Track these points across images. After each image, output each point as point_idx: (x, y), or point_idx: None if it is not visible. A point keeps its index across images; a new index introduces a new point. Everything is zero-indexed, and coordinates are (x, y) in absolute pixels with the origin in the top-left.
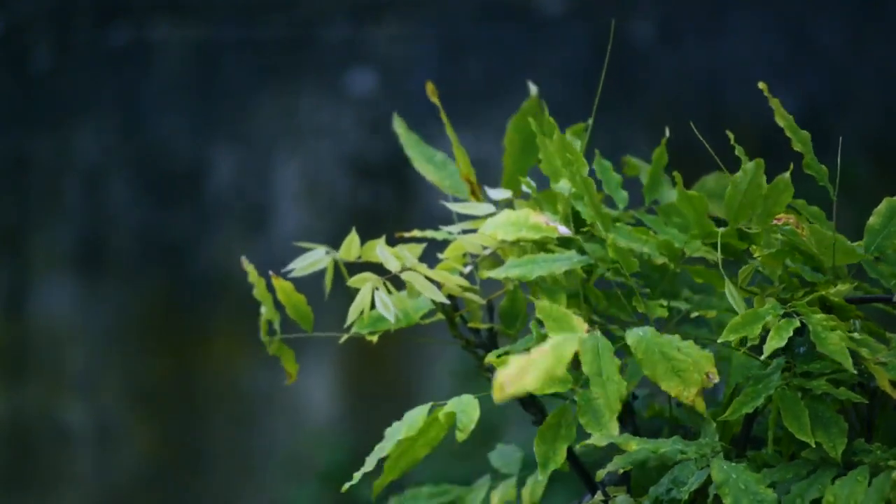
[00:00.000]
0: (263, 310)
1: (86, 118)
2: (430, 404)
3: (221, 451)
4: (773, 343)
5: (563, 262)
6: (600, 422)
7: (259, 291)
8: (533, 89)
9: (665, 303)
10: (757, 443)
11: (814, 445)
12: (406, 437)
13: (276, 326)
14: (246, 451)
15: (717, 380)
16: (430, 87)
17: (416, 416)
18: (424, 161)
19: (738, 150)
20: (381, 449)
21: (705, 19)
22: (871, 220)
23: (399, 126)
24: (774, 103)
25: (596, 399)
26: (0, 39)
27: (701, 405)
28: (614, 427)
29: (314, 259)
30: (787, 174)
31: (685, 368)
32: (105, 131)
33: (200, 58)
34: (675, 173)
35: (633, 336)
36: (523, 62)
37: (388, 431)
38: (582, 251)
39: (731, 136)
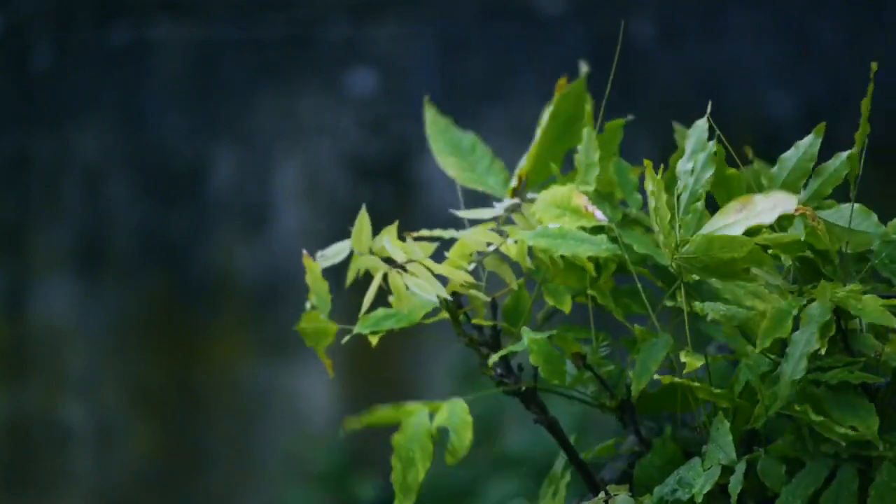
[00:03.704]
0: (313, 299)
1: (86, 118)
2: (427, 410)
3: (221, 451)
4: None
5: (590, 245)
6: None
7: (311, 277)
8: (584, 68)
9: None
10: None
11: (843, 443)
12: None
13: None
14: (245, 452)
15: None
16: (561, 82)
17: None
18: (448, 152)
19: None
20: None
21: (705, 19)
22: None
23: (429, 110)
24: (868, 90)
25: None
26: (0, 39)
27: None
28: None
29: (339, 249)
30: (848, 153)
31: None
32: (105, 131)
33: (200, 58)
34: (718, 147)
35: None
36: (523, 62)
37: (398, 455)
38: (614, 240)
39: (748, 151)
